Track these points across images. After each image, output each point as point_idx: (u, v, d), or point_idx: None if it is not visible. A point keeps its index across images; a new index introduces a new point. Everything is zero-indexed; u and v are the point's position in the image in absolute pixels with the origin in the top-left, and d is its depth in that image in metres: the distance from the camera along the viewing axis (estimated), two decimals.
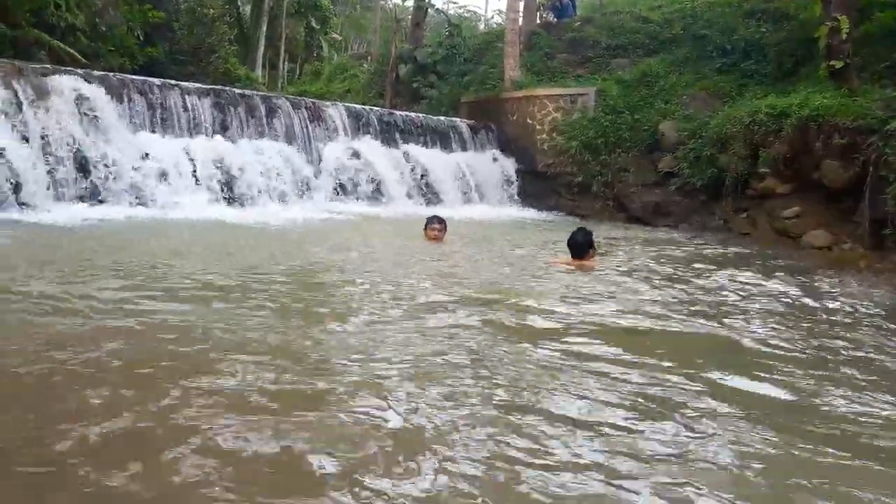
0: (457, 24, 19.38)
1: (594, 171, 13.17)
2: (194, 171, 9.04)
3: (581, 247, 5.88)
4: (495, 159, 13.88)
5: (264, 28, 23.73)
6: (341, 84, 21.86)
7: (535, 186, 13.83)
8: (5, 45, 13.04)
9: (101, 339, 2.88)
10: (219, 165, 9.33)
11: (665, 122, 12.67)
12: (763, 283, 5.87)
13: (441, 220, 7.27)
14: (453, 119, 14.60)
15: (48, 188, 7.51)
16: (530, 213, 12.85)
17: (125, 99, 9.16)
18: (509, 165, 13.88)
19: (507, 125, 14.65)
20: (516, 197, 13.64)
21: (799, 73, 12.14)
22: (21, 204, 7.07)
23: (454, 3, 31.13)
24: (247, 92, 11.58)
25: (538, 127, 14.13)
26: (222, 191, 9.22)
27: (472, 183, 12.87)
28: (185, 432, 2.01)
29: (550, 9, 18.65)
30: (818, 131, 9.77)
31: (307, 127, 11.31)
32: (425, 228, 7.26)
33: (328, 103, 12.57)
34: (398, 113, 13.71)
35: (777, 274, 6.39)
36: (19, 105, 7.76)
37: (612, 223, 12.14)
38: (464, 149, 13.83)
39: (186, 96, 9.95)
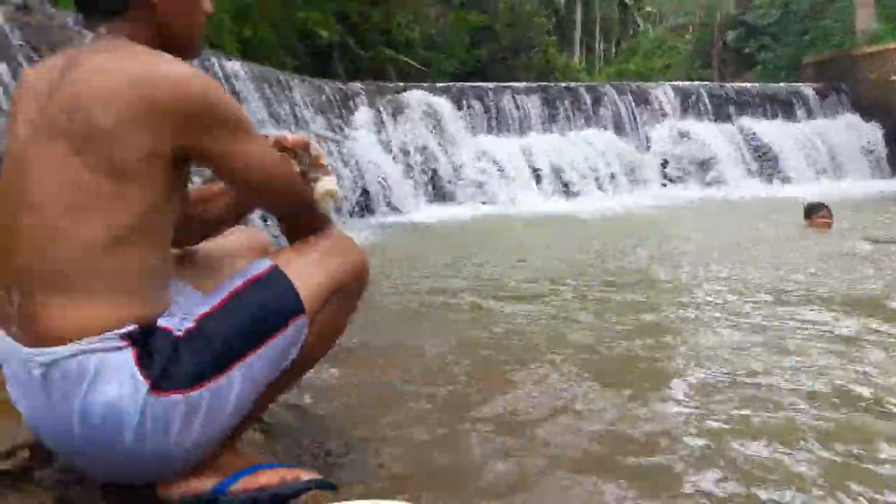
0: None
1: None
2: (529, 167, 9.41)
3: None
4: (851, 126, 12.04)
5: (579, 13, 23.83)
6: (660, 59, 20.96)
7: None
8: (363, 66, 15.00)
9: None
10: (551, 159, 9.58)
11: None
12: None
13: (827, 207, 6.23)
14: (795, 84, 13.05)
15: (409, 192, 8.43)
16: None
17: (464, 105, 9.90)
18: (871, 131, 11.93)
19: (864, 85, 12.59)
20: (886, 168, 11.69)
21: None
22: (391, 207, 8.04)
23: None
24: (572, 84, 11.70)
25: None
26: (556, 184, 9.46)
27: (825, 155, 11.33)
28: None
29: None
30: None
31: (633, 112, 11.05)
32: (808, 217, 6.23)
33: (653, 84, 12.13)
34: (729, 84, 12.69)
35: None
36: (382, 121, 8.84)
37: None
38: (810, 116, 12.26)
39: (517, 96, 10.40)
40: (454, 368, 2.48)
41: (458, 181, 8.89)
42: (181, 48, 1.28)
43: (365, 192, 7.77)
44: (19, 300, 1.12)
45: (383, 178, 7.94)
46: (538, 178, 9.33)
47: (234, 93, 6.95)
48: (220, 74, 6.87)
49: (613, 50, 26.95)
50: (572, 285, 4.06)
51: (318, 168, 1.40)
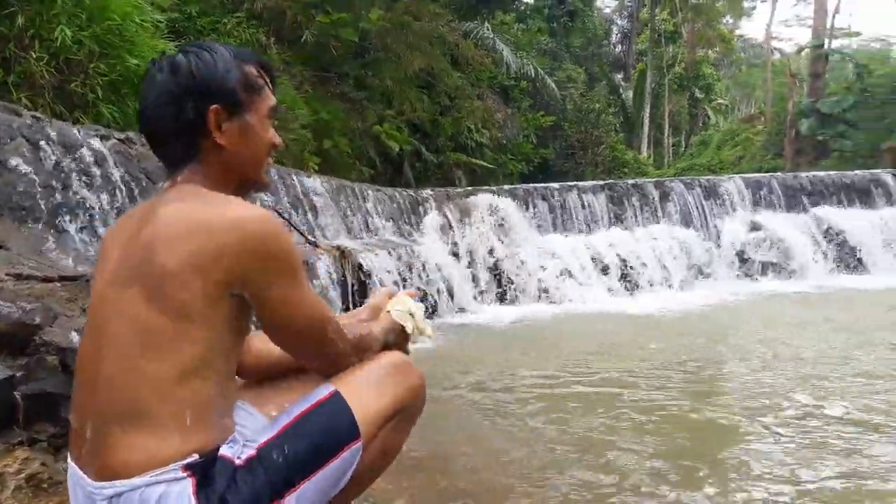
0: (863, 64, 17.13)
1: None
2: (595, 265, 9.51)
3: None
4: None
5: (648, 108, 24.24)
6: (732, 150, 20.90)
7: None
8: (432, 170, 15.68)
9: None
10: (616, 256, 9.66)
11: None
12: None
13: None
14: (874, 171, 12.75)
15: (474, 294, 8.66)
16: None
17: (530, 206, 10.21)
18: None
19: None
20: None
21: None
22: (457, 309, 8.27)
23: (857, 35, 27.64)
24: (639, 181, 11.88)
25: None
26: (620, 281, 9.49)
27: None
28: None
29: None
30: None
31: (702, 205, 11.05)
32: None
33: (724, 178, 12.15)
34: (803, 174, 12.53)
35: None
36: (449, 225, 9.22)
37: None
38: (891, 203, 11.89)
39: (583, 195, 10.64)
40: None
41: (524, 280, 9.06)
42: (251, 182, 1.39)
43: (427, 295, 8.04)
44: (91, 433, 1.18)
45: (447, 280, 8.21)
46: (602, 276, 9.39)
47: (313, 207, 7.50)
48: (300, 189, 7.44)
49: (683, 144, 27.03)
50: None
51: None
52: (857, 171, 12.68)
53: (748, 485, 2.56)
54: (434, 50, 13.81)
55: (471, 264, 9.00)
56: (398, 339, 1.57)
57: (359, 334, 1.43)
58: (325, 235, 7.40)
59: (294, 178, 7.48)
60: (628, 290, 9.39)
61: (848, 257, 10.67)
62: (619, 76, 31.82)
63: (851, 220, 11.09)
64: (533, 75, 19.35)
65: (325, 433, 1.29)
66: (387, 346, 1.51)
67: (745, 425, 3.36)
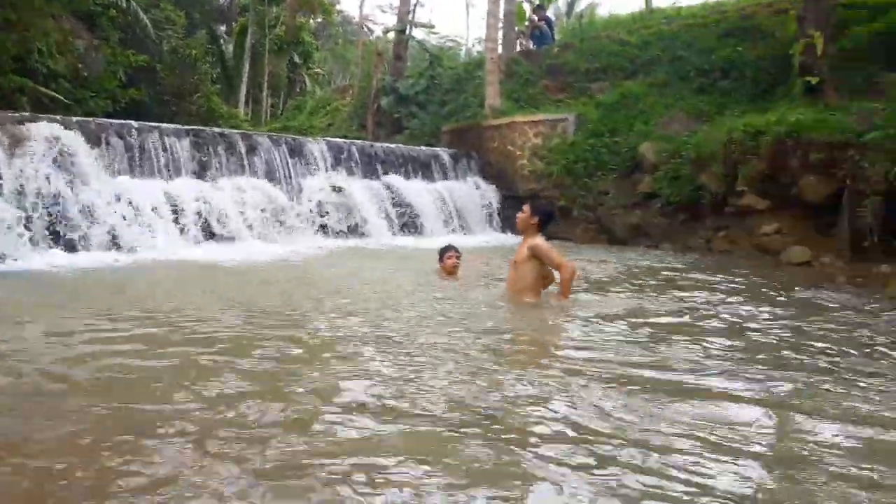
0: (436, 55, 19.57)
1: (575, 194, 13.25)
2: (174, 212, 9.03)
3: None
4: (477, 187, 13.94)
5: (247, 66, 23.91)
6: (324, 118, 21.97)
7: (518, 212, 13.84)
8: None
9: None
10: (198, 204, 9.33)
11: (645, 143, 12.75)
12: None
13: (455, 248, 6.91)
14: (435, 148, 14.70)
15: (23, 236, 7.46)
16: (515, 240, 12.83)
17: (103, 143, 9.18)
18: (491, 192, 13.93)
19: (489, 153, 14.74)
20: (499, 223, 13.66)
21: (776, 91, 12.27)
22: None
23: (435, 33, 31.44)
24: (226, 131, 11.62)
25: (519, 153, 14.23)
26: (203, 230, 9.22)
27: (455, 211, 12.89)
28: None
29: (529, 37, 18.87)
30: (795, 147, 9.86)
31: (288, 163, 11.34)
32: (441, 259, 6.84)
33: (309, 139, 12.64)
34: (378, 144, 13.79)
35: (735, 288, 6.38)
36: None
37: (594, 246, 12.18)
38: (445, 177, 13.89)
39: (165, 138, 9.97)
40: None
41: (88, 225, 8.15)
42: None
43: None
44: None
45: None
46: (182, 224, 8.99)
47: None
48: None
49: (281, 106, 27.50)
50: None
51: None
52: (422, 147, 14.45)
53: None
54: None
55: (21, 202, 7.73)
56: None
57: None
58: None
59: None
60: (211, 240, 9.17)
61: (409, 221, 12.13)
62: (223, 28, 30.78)
63: (414, 189, 12.64)
64: (125, 6, 17.44)
65: None
66: None
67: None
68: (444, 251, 6.92)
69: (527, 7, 20.17)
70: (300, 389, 3.03)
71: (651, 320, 4.99)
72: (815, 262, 9.10)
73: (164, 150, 9.86)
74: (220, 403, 2.79)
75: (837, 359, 3.93)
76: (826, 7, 11.08)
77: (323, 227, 10.92)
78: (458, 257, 6.85)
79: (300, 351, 3.78)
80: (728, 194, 10.91)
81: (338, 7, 36.75)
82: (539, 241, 5.49)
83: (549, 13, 21.90)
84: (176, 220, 8.99)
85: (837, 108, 10.13)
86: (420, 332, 4.32)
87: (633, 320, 4.93)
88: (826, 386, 3.34)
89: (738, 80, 13.20)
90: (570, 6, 31.49)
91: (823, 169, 9.54)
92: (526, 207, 5.67)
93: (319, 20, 32.43)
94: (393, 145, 14.02)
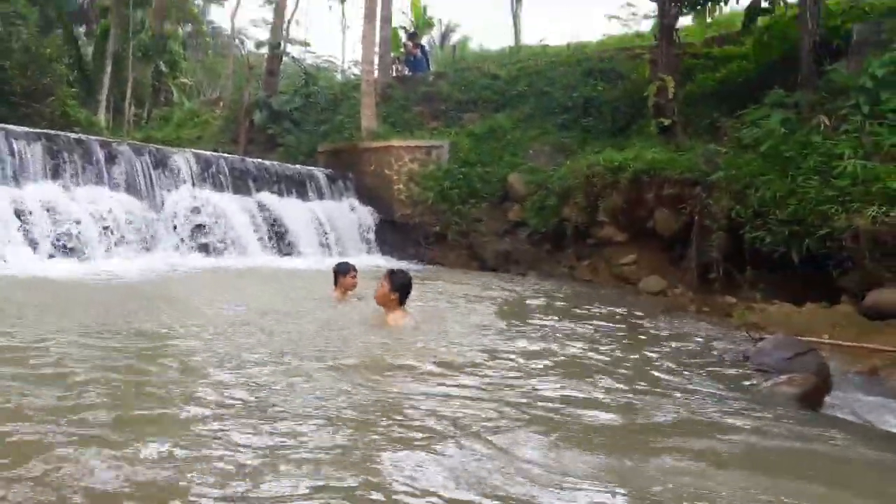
0: (312, 73, 19.40)
1: (450, 220, 13.53)
2: (21, 223, 8.30)
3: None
4: (353, 208, 13.87)
5: (108, 70, 22.55)
6: (192, 130, 21.07)
7: (394, 236, 13.94)
8: None
9: None
10: (49, 215, 8.63)
11: (513, 174, 13.29)
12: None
13: (354, 267, 6.55)
14: (311, 168, 14.49)
15: None
16: (391, 263, 12.86)
17: None
18: (367, 215, 13.91)
19: (365, 175, 14.73)
20: (375, 246, 13.66)
21: (631, 128, 13.21)
22: None
23: (311, 52, 31.20)
24: (83, 137, 10.86)
25: (395, 177, 14.33)
26: (54, 244, 8.52)
27: (330, 232, 12.74)
28: None
29: (405, 62, 19.15)
30: (650, 183, 10.62)
31: (150, 175, 10.76)
32: (336, 279, 6.41)
33: (174, 150, 12.07)
34: (251, 160, 13.41)
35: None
36: None
37: (466, 271, 12.47)
38: (321, 197, 13.72)
39: (13, 141, 9.18)
40: None
41: None
42: None
43: None
44: None
45: None
46: (30, 235, 8.28)
47: None
48: None
49: (146, 116, 26.10)
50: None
51: None
52: (297, 166, 14.22)
53: None
54: None
55: None
56: None
57: None
58: None
59: None
60: (63, 254, 8.49)
61: (282, 241, 11.84)
62: (82, 29, 28.83)
63: (288, 208, 12.36)
64: None
65: None
66: None
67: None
68: (342, 270, 6.51)
69: (402, 34, 20.49)
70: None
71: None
72: (669, 292, 9.81)
73: (12, 154, 9.07)
74: None
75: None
76: (675, 54, 12.13)
77: (185, 243, 10.40)
78: (356, 276, 6.47)
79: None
80: (590, 225, 11.56)
81: (209, 18, 35.61)
82: (401, 322, 5.10)
83: (424, 42, 22.36)
84: (25, 233, 8.27)
85: (687, 148, 11.05)
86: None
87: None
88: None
89: (598, 118, 14.09)
90: (444, 37, 32.31)
91: (675, 204, 10.34)
92: (385, 282, 5.20)
93: (189, 29, 31.23)
94: (267, 162, 13.69)
